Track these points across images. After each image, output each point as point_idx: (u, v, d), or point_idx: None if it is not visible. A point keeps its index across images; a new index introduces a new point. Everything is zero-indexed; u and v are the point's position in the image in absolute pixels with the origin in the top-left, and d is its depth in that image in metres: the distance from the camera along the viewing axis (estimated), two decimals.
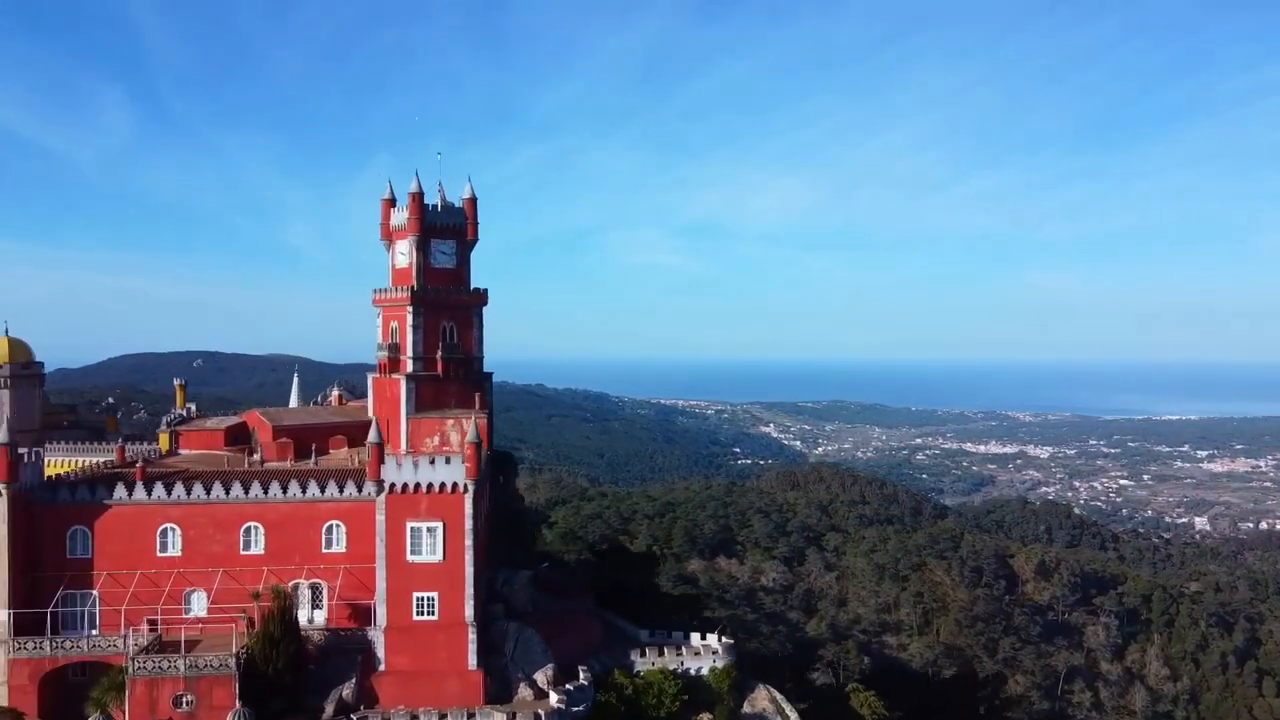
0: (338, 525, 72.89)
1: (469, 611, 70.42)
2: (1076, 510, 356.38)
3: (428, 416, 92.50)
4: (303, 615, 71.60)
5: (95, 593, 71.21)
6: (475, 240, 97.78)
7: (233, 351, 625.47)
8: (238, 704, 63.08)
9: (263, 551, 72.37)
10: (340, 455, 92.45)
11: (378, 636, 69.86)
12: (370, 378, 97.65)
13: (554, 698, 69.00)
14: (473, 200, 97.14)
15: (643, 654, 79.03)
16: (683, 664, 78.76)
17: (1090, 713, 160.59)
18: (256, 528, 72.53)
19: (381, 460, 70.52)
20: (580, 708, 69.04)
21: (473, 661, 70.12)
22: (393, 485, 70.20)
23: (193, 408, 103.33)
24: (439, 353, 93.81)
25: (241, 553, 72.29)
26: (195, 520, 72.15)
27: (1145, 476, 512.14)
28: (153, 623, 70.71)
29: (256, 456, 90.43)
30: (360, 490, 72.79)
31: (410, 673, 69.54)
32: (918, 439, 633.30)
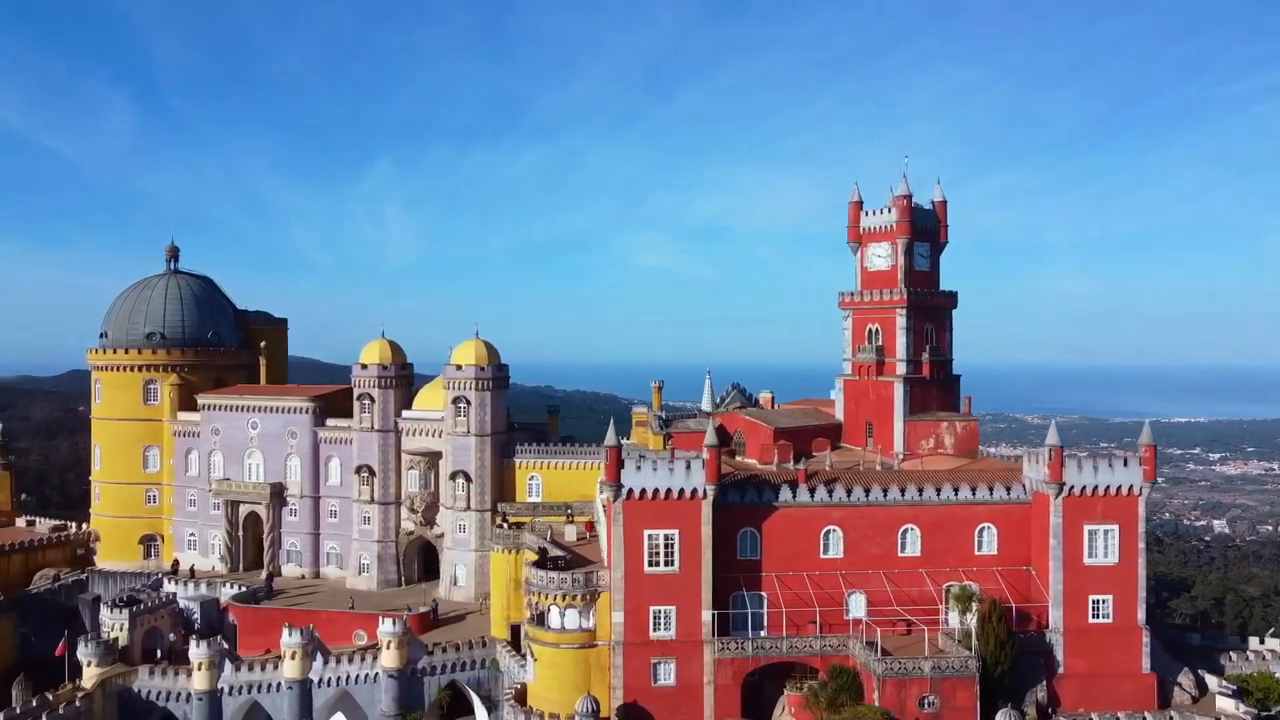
0: (988, 527, 70.43)
1: (1141, 614, 68.06)
2: None
3: (922, 419, 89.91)
4: (954, 618, 69.16)
5: (763, 594, 68.52)
6: (946, 242, 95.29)
7: None
8: (995, 704, 60.61)
9: (918, 553, 69.78)
10: (824, 456, 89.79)
11: (1055, 639, 67.29)
12: (840, 380, 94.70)
13: (1238, 704, 66.75)
14: (943, 202, 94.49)
15: (1230, 659, 77.00)
16: (1268, 668, 76.81)
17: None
18: (912, 529, 69.87)
19: (1062, 462, 67.97)
20: (1273, 712, 67.06)
21: (1146, 664, 67.71)
22: (1071, 488, 67.69)
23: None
24: (925, 355, 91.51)
25: (898, 554, 69.79)
26: (855, 522, 69.41)
27: (1159, 479, 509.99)
28: (814, 624, 68.09)
29: (738, 458, 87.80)
30: (1009, 492, 70.59)
31: (1087, 675, 66.81)
32: None
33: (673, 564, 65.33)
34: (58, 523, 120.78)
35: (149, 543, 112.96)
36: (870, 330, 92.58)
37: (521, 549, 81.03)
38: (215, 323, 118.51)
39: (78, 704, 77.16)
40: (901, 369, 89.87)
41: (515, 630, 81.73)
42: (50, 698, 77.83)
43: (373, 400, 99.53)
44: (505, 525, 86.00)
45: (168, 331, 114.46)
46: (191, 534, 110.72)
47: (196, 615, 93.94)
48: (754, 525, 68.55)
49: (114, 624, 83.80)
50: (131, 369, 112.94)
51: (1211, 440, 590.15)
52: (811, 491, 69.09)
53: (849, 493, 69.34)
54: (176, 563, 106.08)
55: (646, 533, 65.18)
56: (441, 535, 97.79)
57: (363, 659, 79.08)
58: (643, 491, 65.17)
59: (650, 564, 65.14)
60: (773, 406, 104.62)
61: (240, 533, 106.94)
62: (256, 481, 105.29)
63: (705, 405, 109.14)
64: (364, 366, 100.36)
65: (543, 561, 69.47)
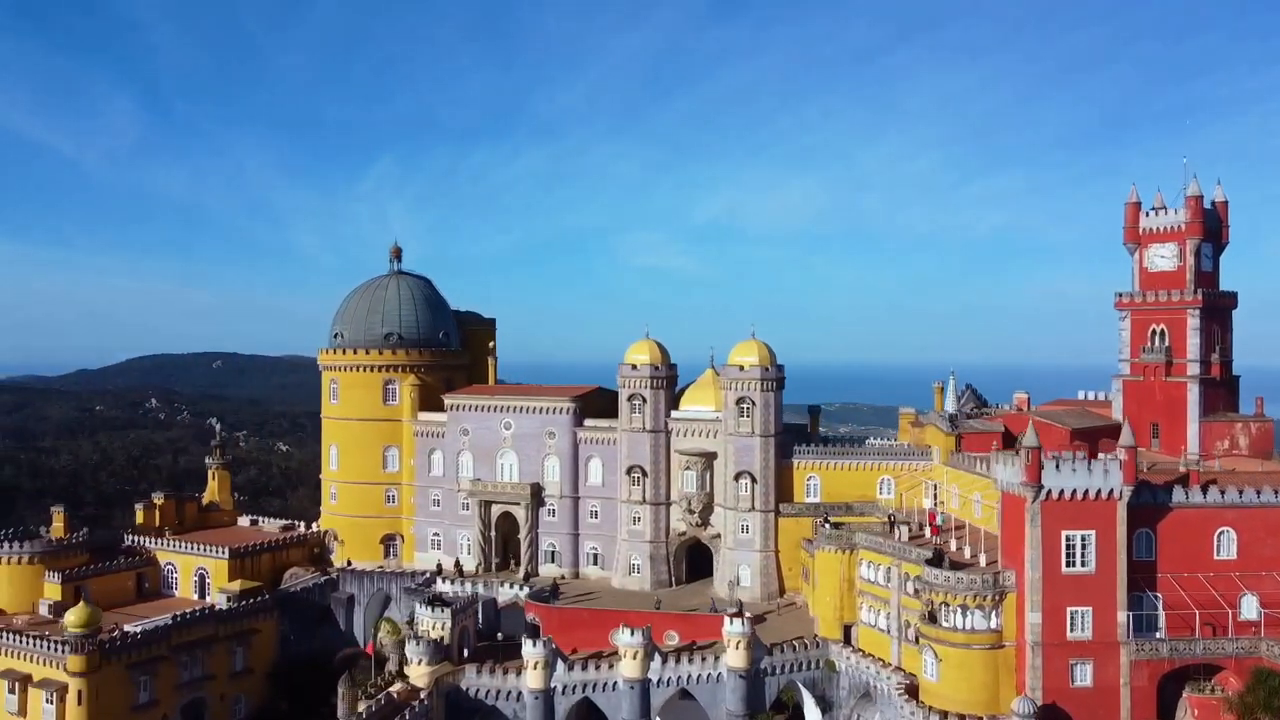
0: None
1: None
2: None
3: (1216, 420, 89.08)
4: None
5: (1158, 595, 67.48)
6: (1227, 243, 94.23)
7: (250, 353, 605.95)
8: None
9: None
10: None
11: None
12: (1119, 380, 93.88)
13: None
14: (1225, 203, 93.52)
15: None
16: None
17: None
18: None
19: None
20: None
21: None
22: None
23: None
24: (1214, 356, 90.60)
25: None
26: (1249, 523, 68.03)
27: None
28: (1210, 626, 67.05)
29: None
30: None
31: None
32: None
33: (1088, 565, 64.37)
34: (286, 522, 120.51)
35: (388, 542, 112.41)
36: (1154, 331, 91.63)
37: (855, 549, 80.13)
38: (444, 323, 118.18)
39: (425, 701, 76.49)
40: (1193, 370, 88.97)
41: (847, 630, 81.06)
42: (395, 695, 77.28)
43: (644, 400, 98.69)
44: (827, 525, 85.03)
45: (404, 332, 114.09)
46: (435, 534, 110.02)
47: (478, 615, 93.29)
48: (1149, 526, 67.53)
49: (435, 623, 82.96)
50: (371, 369, 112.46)
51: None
52: (1204, 491, 68.09)
53: (1240, 493, 68.25)
54: (457, 563, 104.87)
55: (1064, 533, 64.24)
56: (717, 535, 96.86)
57: (703, 659, 78.27)
58: (1060, 492, 64.23)
59: (1067, 564, 64.19)
60: (1028, 407, 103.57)
61: (492, 533, 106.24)
62: (514, 481, 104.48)
63: (949, 407, 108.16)
64: (634, 367, 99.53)
65: (939, 561, 68.44)
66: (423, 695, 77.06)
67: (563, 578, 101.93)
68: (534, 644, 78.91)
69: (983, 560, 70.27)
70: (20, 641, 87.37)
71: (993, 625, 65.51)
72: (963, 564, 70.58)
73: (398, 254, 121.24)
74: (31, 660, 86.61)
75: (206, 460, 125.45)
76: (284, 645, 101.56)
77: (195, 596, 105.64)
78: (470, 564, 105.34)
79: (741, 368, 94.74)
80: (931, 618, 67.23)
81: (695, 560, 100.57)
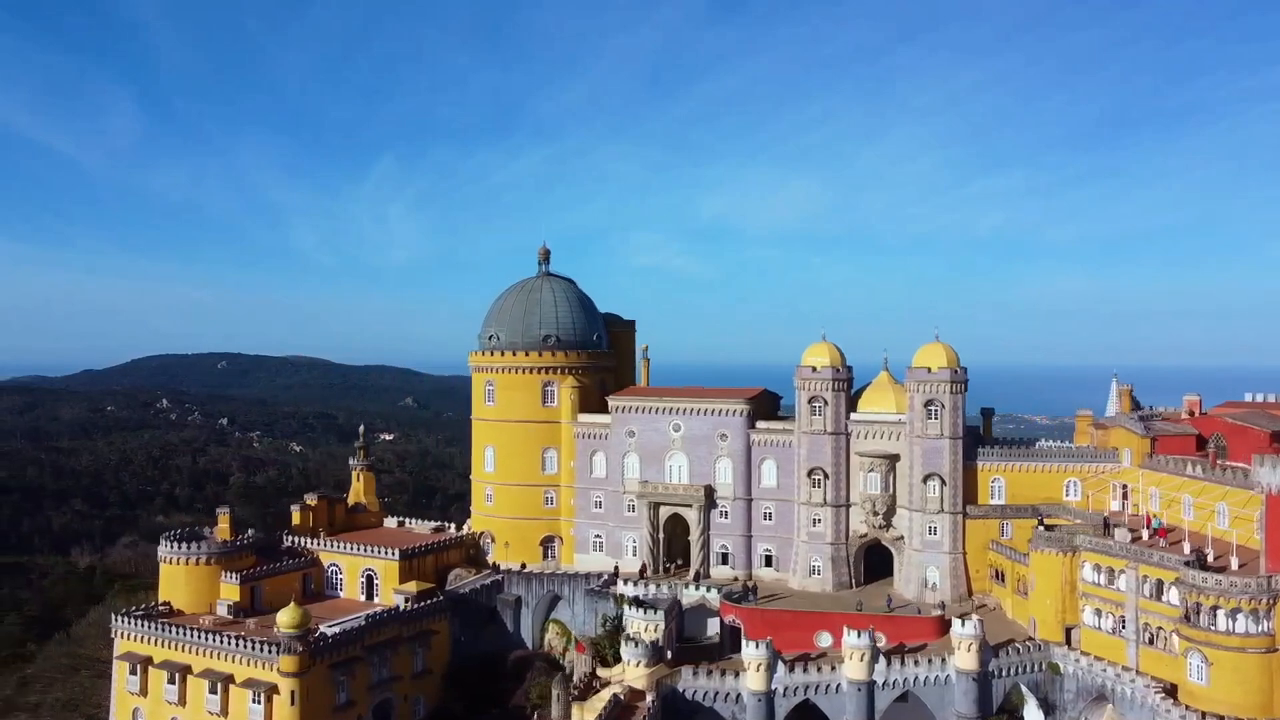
0: None
1: None
2: None
3: None
4: None
5: None
6: None
7: (254, 353, 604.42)
8: None
9: None
10: None
11: None
12: None
13: None
14: None
15: None
16: None
17: None
18: None
19: None
20: None
21: None
22: None
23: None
24: None
25: None
26: None
27: None
28: None
29: (1220, 461, 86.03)
30: None
31: None
32: None
33: None
34: (436, 524, 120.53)
35: (547, 544, 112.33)
36: None
37: (1078, 551, 79.64)
38: (595, 324, 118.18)
39: (651, 703, 76.31)
40: None
41: (1068, 632, 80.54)
42: (620, 698, 77.10)
43: (825, 403, 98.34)
44: (1043, 527, 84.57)
45: (561, 334, 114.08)
46: (597, 535, 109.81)
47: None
48: None
49: (647, 625, 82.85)
50: (530, 371, 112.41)
51: None
52: None
53: None
54: (643, 566, 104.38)
55: None
56: (900, 537, 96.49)
57: (930, 661, 77.90)
58: None
59: None
60: (1200, 410, 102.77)
61: (660, 535, 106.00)
62: (686, 483, 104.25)
63: (1110, 410, 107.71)
64: (814, 369, 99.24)
65: (1200, 563, 67.92)
66: (650, 698, 76.92)
67: (735, 580, 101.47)
68: (755, 646, 78.65)
69: (1234, 563, 69.57)
70: (222, 642, 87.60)
71: (1265, 629, 64.94)
72: (1209, 567, 69.98)
73: (546, 255, 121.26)
74: (234, 661, 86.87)
75: (351, 461, 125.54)
76: (455, 646, 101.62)
77: (362, 598, 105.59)
78: (634, 565, 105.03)
79: (929, 369, 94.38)
80: (1191, 619, 66.61)
81: (871, 561, 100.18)
